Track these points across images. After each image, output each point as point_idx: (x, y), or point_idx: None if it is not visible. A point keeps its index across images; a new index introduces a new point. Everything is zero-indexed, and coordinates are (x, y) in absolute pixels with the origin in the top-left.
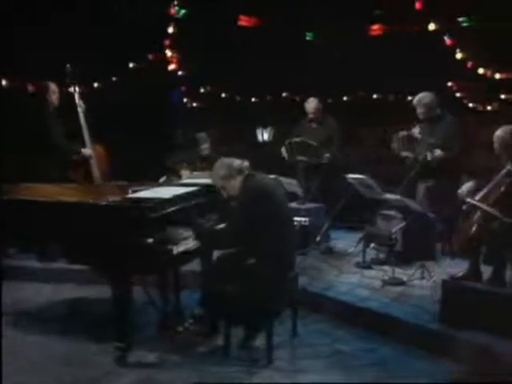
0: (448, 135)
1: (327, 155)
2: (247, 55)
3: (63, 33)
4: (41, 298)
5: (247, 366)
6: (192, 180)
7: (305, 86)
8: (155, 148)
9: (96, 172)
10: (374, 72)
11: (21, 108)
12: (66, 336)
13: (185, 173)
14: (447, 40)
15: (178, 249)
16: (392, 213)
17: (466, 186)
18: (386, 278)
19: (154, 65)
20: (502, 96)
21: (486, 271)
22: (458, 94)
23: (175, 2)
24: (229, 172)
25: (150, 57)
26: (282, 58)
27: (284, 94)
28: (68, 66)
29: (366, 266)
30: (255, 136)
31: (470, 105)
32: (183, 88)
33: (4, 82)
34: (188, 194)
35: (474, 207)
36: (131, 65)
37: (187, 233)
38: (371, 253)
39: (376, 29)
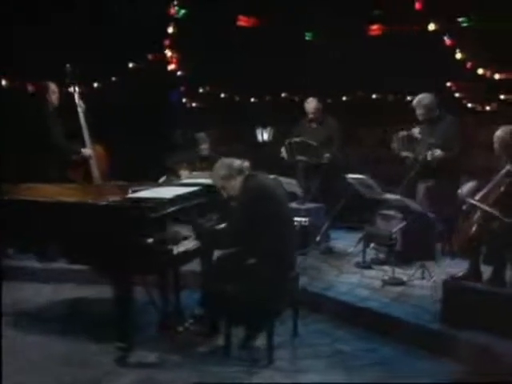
0: (448, 135)
1: (327, 155)
2: (246, 55)
3: (63, 33)
4: (41, 298)
5: (248, 366)
6: (192, 180)
7: (304, 86)
8: (155, 148)
9: (96, 172)
10: (373, 72)
11: (21, 108)
12: (66, 336)
13: (184, 173)
14: (447, 40)
15: (178, 249)
16: (392, 213)
17: (466, 187)
18: (386, 277)
19: (153, 65)
20: (501, 96)
21: (486, 271)
22: (456, 95)
23: (175, 2)
24: (229, 172)
25: (150, 57)
26: (281, 58)
27: (283, 94)
28: (68, 65)
29: (365, 265)
30: (254, 136)
31: (469, 105)
32: (182, 88)
33: (4, 82)
34: (188, 193)
35: (474, 207)
36: (130, 65)
37: (187, 233)
38: (371, 253)
39: (375, 29)
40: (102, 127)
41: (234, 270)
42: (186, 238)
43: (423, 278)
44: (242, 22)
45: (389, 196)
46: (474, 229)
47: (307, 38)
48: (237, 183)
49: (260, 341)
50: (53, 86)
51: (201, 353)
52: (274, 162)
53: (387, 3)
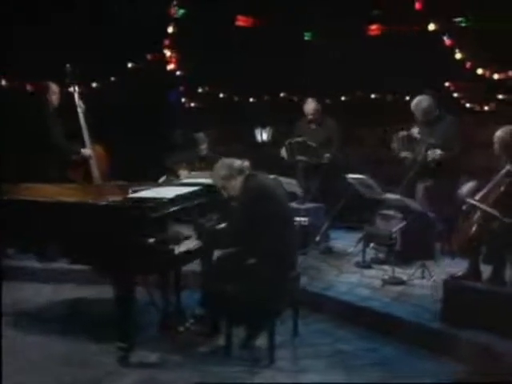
0: (448, 135)
1: (327, 155)
2: (245, 55)
3: (63, 33)
4: (41, 299)
5: (249, 365)
6: (192, 180)
7: (303, 86)
8: (154, 148)
9: (96, 172)
10: (372, 72)
11: (21, 108)
12: (66, 336)
13: (183, 173)
14: (446, 40)
15: (179, 249)
16: (391, 212)
17: (466, 187)
18: (386, 277)
19: (152, 65)
20: (500, 96)
21: (486, 271)
22: (455, 94)
23: (174, 2)
24: (229, 172)
25: (149, 57)
26: (280, 58)
27: (282, 94)
28: (68, 66)
29: (365, 265)
30: (254, 136)
31: (468, 105)
32: (181, 88)
33: (4, 82)
34: (189, 193)
35: (474, 207)
36: (130, 65)
37: (188, 233)
38: (371, 252)
39: (374, 29)
40: (101, 127)
41: (234, 269)
42: (187, 238)
43: (423, 278)
44: (241, 21)
45: (389, 196)
46: (473, 229)
47: (306, 38)
48: (237, 183)
49: (261, 340)
50: (53, 87)
51: (202, 353)
52: (274, 162)
53: (386, 3)
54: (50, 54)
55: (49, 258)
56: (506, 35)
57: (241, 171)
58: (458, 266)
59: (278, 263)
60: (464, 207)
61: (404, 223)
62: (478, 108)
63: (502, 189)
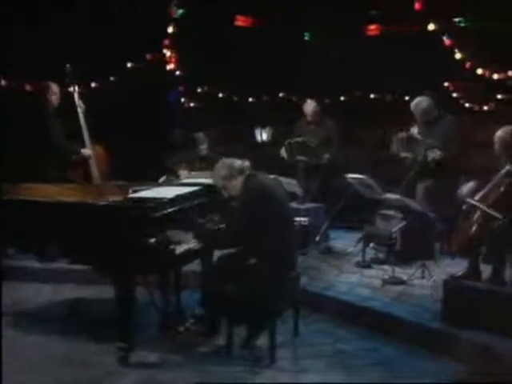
0: (447, 135)
1: (327, 155)
2: (245, 55)
3: (63, 33)
4: (41, 299)
5: (249, 365)
6: (192, 180)
7: (303, 86)
8: (154, 148)
9: (95, 172)
10: (372, 72)
11: (21, 108)
12: (66, 336)
13: (183, 173)
14: (446, 40)
15: (180, 249)
16: (391, 212)
17: (466, 187)
18: (386, 277)
19: (151, 65)
20: (499, 96)
21: (486, 271)
22: (454, 94)
23: (174, 2)
24: (230, 172)
25: (148, 57)
26: (279, 58)
27: (281, 94)
28: (68, 66)
29: (365, 265)
30: (253, 136)
31: (467, 105)
32: (181, 88)
33: (4, 82)
34: (189, 193)
35: (474, 207)
36: (129, 65)
37: (189, 232)
38: (370, 252)
39: (373, 29)
40: (101, 127)
41: (234, 269)
42: (188, 238)
43: (423, 278)
44: (241, 22)
45: (389, 196)
46: (473, 229)
47: (306, 38)
48: (238, 183)
49: (261, 340)
50: (54, 87)
51: (202, 353)
52: (274, 162)
53: (386, 3)
54: (50, 54)
55: (49, 258)
56: (505, 35)
57: (241, 171)
58: (457, 266)
59: (278, 263)
60: (464, 207)
61: (404, 223)
62: (477, 108)
63: (502, 189)
